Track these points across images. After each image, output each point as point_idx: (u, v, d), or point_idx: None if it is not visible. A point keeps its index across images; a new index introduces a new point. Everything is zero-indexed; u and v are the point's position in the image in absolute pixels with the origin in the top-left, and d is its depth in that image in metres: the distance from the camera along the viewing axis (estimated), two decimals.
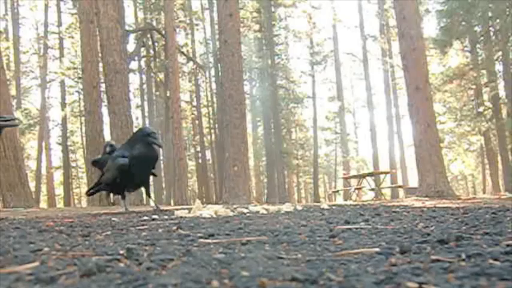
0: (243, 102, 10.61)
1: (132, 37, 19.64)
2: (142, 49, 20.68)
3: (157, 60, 20.87)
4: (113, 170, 4.30)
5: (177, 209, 3.69)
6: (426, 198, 7.87)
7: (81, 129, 25.42)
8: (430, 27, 58.03)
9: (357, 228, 1.68)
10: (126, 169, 4.19)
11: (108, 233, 1.77)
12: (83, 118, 21.83)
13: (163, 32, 17.36)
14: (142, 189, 4.90)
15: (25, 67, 27.32)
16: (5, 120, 3.37)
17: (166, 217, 2.95)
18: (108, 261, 0.97)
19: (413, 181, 20.03)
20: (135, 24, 24.44)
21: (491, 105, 17.72)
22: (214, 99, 24.97)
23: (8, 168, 7.47)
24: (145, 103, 25.92)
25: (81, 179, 29.42)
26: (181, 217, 2.93)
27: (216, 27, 14.65)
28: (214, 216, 2.98)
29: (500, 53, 15.65)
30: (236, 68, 10.31)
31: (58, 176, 27.61)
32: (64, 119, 24.62)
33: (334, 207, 4.23)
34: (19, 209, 4.85)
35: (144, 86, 25.48)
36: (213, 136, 25.72)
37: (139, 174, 4.32)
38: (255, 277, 0.76)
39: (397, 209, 3.24)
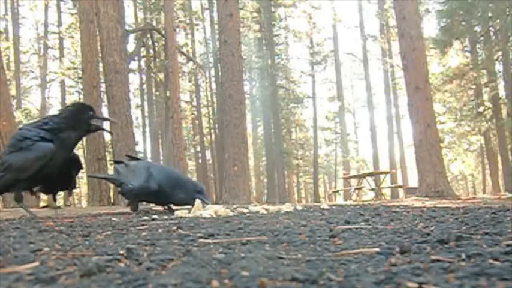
0: (243, 102, 10.61)
1: (132, 37, 19.64)
2: (142, 49, 20.67)
3: (157, 60, 20.86)
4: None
5: (177, 209, 3.69)
6: (426, 198, 7.88)
7: None
8: (430, 27, 58.12)
9: (357, 228, 1.68)
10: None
11: (108, 233, 1.77)
12: None
13: (163, 32, 17.35)
14: None
15: (25, 67, 27.33)
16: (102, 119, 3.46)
17: (166, 217, 2.95)
18: (108, 261, 0.97)
19: (413, 181, 20.04)
20: (135, 24, 24.43)
21: (491, 105, 17.73)
22: (214, 99, 24.97)
23: None
24: (145, 103, 25.92)
25: (81, 179, 29.42)
26: (181, 217, 2.93)
27: (216, 27, 14.66)
28: (214, 216, 2.98)
29: (500, 53, 15.66)
30: (236, 68, 10.31)
31: None
32: None
33: (334, 207, 4.23)
34: (19, 209, 4.84)
35: (144, 86, 25.48)
36: (213, 136, 25.72)
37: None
38: (255, 277, 0.77)
39: (397, 209, 3.24)
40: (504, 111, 16.93)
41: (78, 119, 3.22)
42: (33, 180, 3.20)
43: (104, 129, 3.64)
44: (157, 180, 3.86)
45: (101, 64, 11.69)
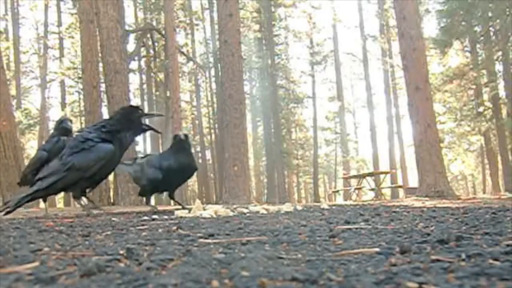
0: (243, 102, 10.61)
1: (132, 37, 19.64)
2: (142, 49, 20.67)
3: (157, 60, 20.86)
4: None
5: (177, 209, 3.69)
6: (426, 198, 7.88)
7: None
8: (430, 27, 58.15)
9: (357, 228, 1.68)
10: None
11: (108, 233, 1.77)
12: (83, 118, 21.82)
13: (163, 32, 17.35)
14: None
15: (25, 67, 27.32)
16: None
17: (166, 217, 2.95)
18: (108, 261, 0.97)
19: (413, 181, 20.04)
20: (135, 24, 24.44)
21: (491, 105, 17.73)
22: (214, 99, 24.97)
23: (8, 168, 7.47)
24: (145, 103, 25.90)
25: None
26: (181, 217, 2.92)
27: (216, 27, 14.65)
28: (214, 216, 2.98)
29: (500, 53, 15.65)
30: (236, 68, 10.31)
31: None
32: None
33: (334, 207, 4.23)
34: (19, 209, 4.83)
35: (144, 86, 25.47)
36: (213, 136, 25.72)
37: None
38: (255, 277, 0.76)
39: (397, 209, 3.24)
40: (504, 111, 16.93)
41: (131, 119, 3.43)
42: (93, 179, 3.38)
43: (155, 130, 3.81)
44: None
45: (101, 64, 11.68)
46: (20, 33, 25.74)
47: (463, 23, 14.44)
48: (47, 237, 1.60)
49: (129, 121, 3.42)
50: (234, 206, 4.52)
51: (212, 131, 26.34)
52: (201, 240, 1.41)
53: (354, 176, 14.66)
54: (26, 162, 7.67)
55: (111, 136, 3.34)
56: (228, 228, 1.82)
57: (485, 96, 18.37)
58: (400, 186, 19.01)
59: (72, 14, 24.17)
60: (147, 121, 3.69)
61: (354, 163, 33.53)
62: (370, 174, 13.22)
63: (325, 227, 1.84)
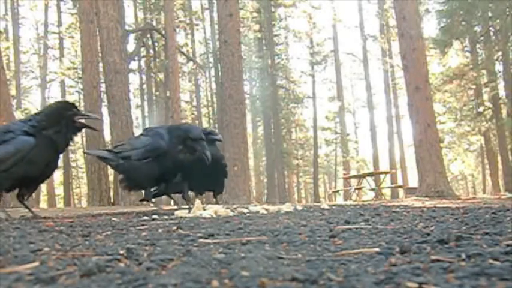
0: (243, 102, 10.62)
1: (132, 37, 19.64)
2: (142, 49, 20.67)
3: (157, 60, 20.87)
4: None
5: (177, 209, 3.69)
6: (426, 198, 7.88)
7: None
8: (430, 27, 58.04)
9: (357, 228, 1.68)
10: None
11: (108, 233, 1.77)
12: None
13: (163, 32, 17.36)
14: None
15: (25, 67, 27.33)
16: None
17: (166, 217, 2.94)
18: (108, 261, 0.97)
19: (413, 181, 20.03)
20: (135, 24, 24.43)
21: (491, 105, 17.72)
22: (214, 99, 24.98)
23: None
24: (145, 103, 25.91)
25: (81, 179, 29.41)
26: (181, 217, 2.92)
27: (216, 27, 14.65)
28: (214, 216, 2.97)
29: (500, 53, 15.65)
30: (236, 68, 10.32)
31: (58, 176, 27.59)
32: None
33: (334, 207, 4.23)
34: (19, 209, 4.83)
35: (144, 86, 25.47)
36: None
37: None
38: (255, 277, 0.76)
39: (397, 209, 3.24)
40: (504, 111, 16.92)
41: (62, 117, 3.16)
42: (11, 176, 3.07)
43: (90, 127, 3.55)
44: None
45: (101, 64, 11.69)
46: (20, 33, 25.78)
47: (463, 23, 14.43)
48: (47, 237, 1.60)
49: (59, 118, 3.14)
50: (234, 206, 4.52)
51: None
52: (201, 240, 1.41)
53: (354, 176, 14.67)
54: None
55: (35, 131, 3.07)
56: (228, 228, 1.82)
57: (485, 96, 18.35)
58: (400, 186, 19.01)
59: (72, 14, 24.17)
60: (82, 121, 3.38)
61: (354, 163, 33.52)
62: (370, 174, 13.23)
63: (325, 227, 1.84)
